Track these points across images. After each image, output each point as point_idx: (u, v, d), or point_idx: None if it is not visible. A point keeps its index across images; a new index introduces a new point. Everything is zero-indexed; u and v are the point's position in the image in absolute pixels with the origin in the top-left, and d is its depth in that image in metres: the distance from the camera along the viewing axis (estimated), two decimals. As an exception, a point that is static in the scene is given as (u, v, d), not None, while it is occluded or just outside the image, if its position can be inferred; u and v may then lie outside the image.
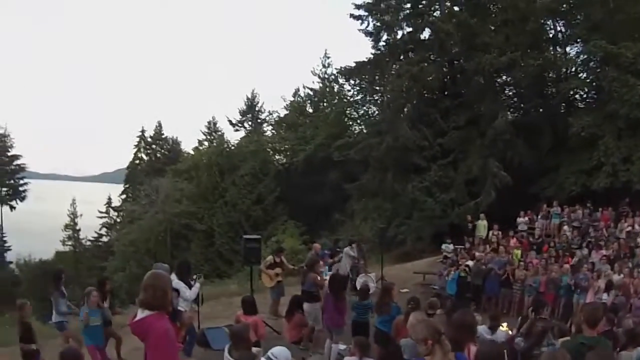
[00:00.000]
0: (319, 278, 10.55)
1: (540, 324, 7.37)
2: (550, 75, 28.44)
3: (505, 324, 8.57)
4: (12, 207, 61.18)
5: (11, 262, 53.87)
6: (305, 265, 11.83)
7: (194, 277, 9.79)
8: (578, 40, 27.49)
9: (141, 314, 4.39)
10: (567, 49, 28.54)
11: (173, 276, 9.34)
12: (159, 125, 61.92)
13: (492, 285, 15.21)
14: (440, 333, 4.17)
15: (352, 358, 6.84)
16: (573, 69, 27.85)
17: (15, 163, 61.44)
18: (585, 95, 28.76)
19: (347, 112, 39.16)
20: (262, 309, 12.98)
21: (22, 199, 62.11)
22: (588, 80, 27.43)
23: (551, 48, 28.63)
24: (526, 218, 21.59)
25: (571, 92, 27.97)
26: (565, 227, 19.77)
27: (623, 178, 22.93)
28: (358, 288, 12.89)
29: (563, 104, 28.55)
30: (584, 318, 5.03)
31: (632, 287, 12.57)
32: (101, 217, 59.92)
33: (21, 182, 62.39)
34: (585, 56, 26.73)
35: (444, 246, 19.80)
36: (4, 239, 57.88)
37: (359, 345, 6.84)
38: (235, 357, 5.70)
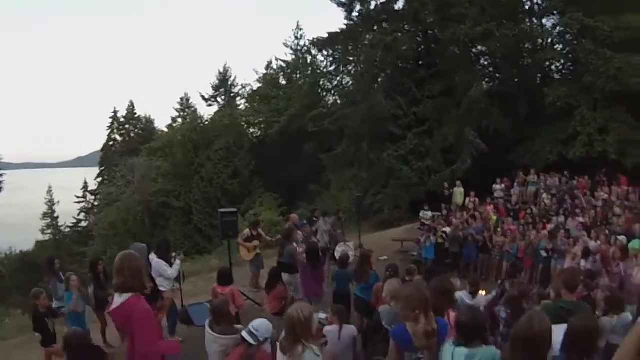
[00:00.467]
0: (297, 249, 10.54)
1: (517, 288, 7.42)
2: (526, 46, 28.33)
3: (483, 291, 8.65)
4: (-12, 201, 60.37)
5: (-8, 257, 53.21)
6: (282, 236, 11.81)
7: (174, 255, 9.73)
8: (554, 12, 27.38)
9: (119, 298, 4.38)
10: (544, 20, 28.47)
11: (153, 255, 9.40)
12: (132, 104, 61.03)
13: (470, 252, 15.34)
14: (428, 301, 4.18)
15: (332, 327, 6.84)
16: (549, 41, 27.81)
17: (-13, 156, 60.45)
18: (561, 67, 28.86)
19: (321, 83, 39.05)
20: (243, 282, 13.09)
21: (-1, 190, 61.31)
22: (564, 52, 27.52)
23: (527, 20, 28.50)
24: (502, 185, 21.74)
25: (547, 63, 28.10)
26: (544, 195, 19.94)
27: (599, 148, 23.17)
28: (337, 257, 12.97)
29: (539, 75, 28.63)
30: (563, 283, 5.05)
31: (609, 254, 12.72)
32: (79, 202, 59.35)
33: (-3, 174, 61.50)
34: (562, 28, 26.76)
35: (421, 213, 19.86)
36: (-18, 234, 57.11)
37: (337, 314, 6.84)
38: (217, 331, 5.68)
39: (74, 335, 5.10)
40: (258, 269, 13.49)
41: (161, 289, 9.18)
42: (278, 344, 4.73)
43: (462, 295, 7.87)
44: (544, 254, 13.91)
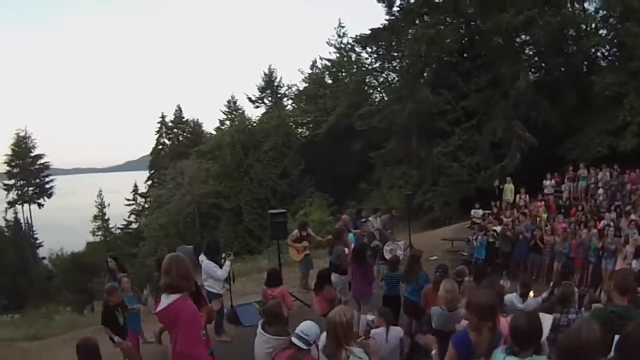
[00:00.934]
0: (346, 250, 10.47)
1: (561, 289, 7.14)
2: (570, 32, 27.63)
3: (532, 292, 8.38)
4: (40, 205, 62.65)
5: (44, 258, 55.14)
6: (333, 236, 11.77)
7: (224, 255, 9.76)
8: None
9: (166, 299, 4.47)
10: (586, 4, 27.75)
11: (202, 257, 9.52)
12: (179, 109, 61.94)
13: (521, 251, 14.92)
14: (497, 309, 4.19)
15: (379, 329, 6.79)
16: (593, 26, 27.05)
17: (39, 162, 62.88)
18: (607, 53, 27.93)
19: (367, 80, 38.88)
20: (292, 283, 13.12)
21: (49, 195, 63.63)
22: (609, 37, 26.71)
23: (569, 5, 27.73)
24: (553, 181, 21.25)
25: (592, 50, 27.28)
26: (600, 190, 19.26)
27: None
28: (386, 257, 12.84)
29: (585, 62, 27.94)
30: (614, 285, 4.83)
31: None
32: (129, 205, 60.76)
33: (47, 179, 63.65)
34: (604, 12, 25.99)
35: (473, 212, 19.62)
36: (35, 236, 59.17)
37: (384, 316, 6.79)
38: (270, 332, 5.69)
39: (85, 344, 5.11)
40: (307, 269, 13.51)
41: (210, 290, 9.27)
42: (320, 347, 4.72)
43: (512, 297, 7.66)
44: (593, 254, 13.47)
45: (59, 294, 33.05)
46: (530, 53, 30.02)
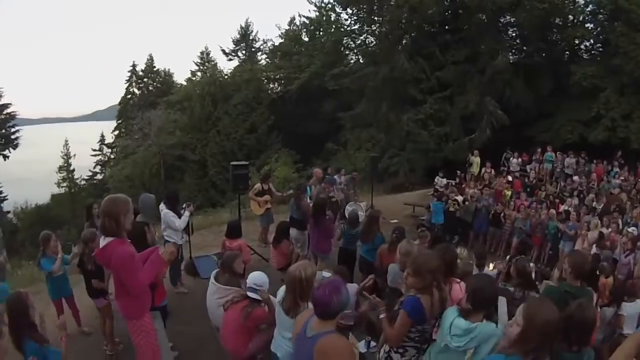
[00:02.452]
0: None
1: (517, 264, 7.20)
2: (556, 21, 27.60)
3: (492, 264, 8.45)
4: (5, 157, 60.93)
5: (9, 212, 53.95)
6: (298, 191, 11.63)
7: (184, 206, 9.58)
8: None
9: (103, 241, 4.60)
10: None
11: (162, 206, 9.35)
12: (151, 58, 60.92)
13: (481, 223, 15.16)
14: (442, 271, 4.14)
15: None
16: (580, 18, 27.07)
17: (5, 112, 60.96)
18: (590, 46, 28.18)
19: (344, 41, 38.40)
20: (252, 237, 13.04)
21: (15, 146, 61.82)
22: (595, 32, 26.86)
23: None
24: (520, 159, 21.49)
25: (576, 41, 27.41)
26: (567, 172, 19.71)
27: (621, 134, 22.89)
28: (347, 216, 12.83)
29: (567, 52, 28.06)
30: (570, 266, 4.86)
31: (619, 243, 12.52)
32: (95, 156, 59.77)
33: (12, 130, 62.03)
34: (594, 7, 26.07)
35: (437, 179, 19.74)
36: (0, 188, 57.90)
37: (339, 273, 6.76)
38: (221, 282, 5.64)
39: (14, 298, 4.79)
40: (268, 224, 13.40)
41: (169, 239, 9.10)
42: (278, 299, 4.65)
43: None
44: (551, 234, 13.87)
45: (23, 248, 32.40)
46: (513, 34, 30.01)
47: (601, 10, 25.63)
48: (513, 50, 29.79)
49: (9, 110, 61.19)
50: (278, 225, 10.05)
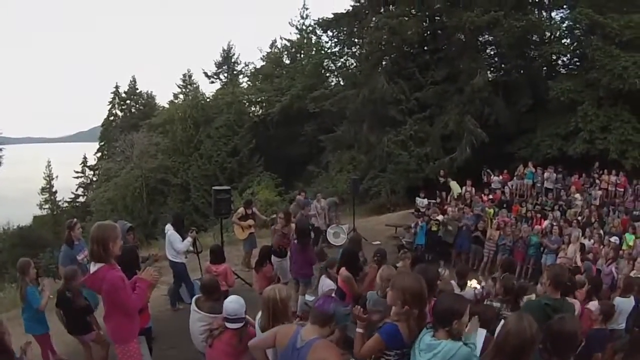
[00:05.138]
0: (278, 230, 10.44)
1: (503, 281, 7.28)
2: (534, 38, 27.94)
3: (475, 281, 8.53)
4: (-13, 176, 60.38)
5: (-11, 232, 53.26)
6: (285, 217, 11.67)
7: (190, 230, 10.35)
8: (564, 6, 27.15)
9: (93, 267, 4.71)
10: (553, 14, 28.26)
11: (169, 227, 10.06)
12: (134, 80, 60.79)
13: (463, 241, 15.28)
14: (424, 297, 4.02)
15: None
16: (557, 34, 27.42)
17: (-12, 130, 60.47)
18: (567, 61, 28.52)
19: (325, 63, 38.80)
20: (235, 261, 13.09)
21: (-2, 165, 61.28)
22: (571, 47, 27.20)
23: (536, 11, 28.14)
24: (501, 177, 21.73)
25: (553, 57, 27.74)
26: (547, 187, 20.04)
27: (600, 146, 23.00)
28: (329, 239, 12.91)
29: (544, 68, 28.36)
30: (549, 279, 4.94)
31: (601, 254, 12.76)
32: (78, 177, 59.33)
33: (-5, 148, 61.50)
34: (570, 23, 26.38)
35: (417, 200, 19.90)
36: (-21, 208, 57.08)
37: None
38: (204, 309, 5.65)
39: None
40: (251, 248, 13.47)
41: (172, 259, 9.91)
42: (257, 320, 4.73)
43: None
44: (533, 249, 14.08)
45: (4, 270, 31.99)
46: (492, 53, 30.35)
47: (577, 26, 25.97)
48: (492, 69, 30.12)
49: (-10, 129, 60.69)
50: (260, 249, 10.12)
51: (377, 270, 6.94)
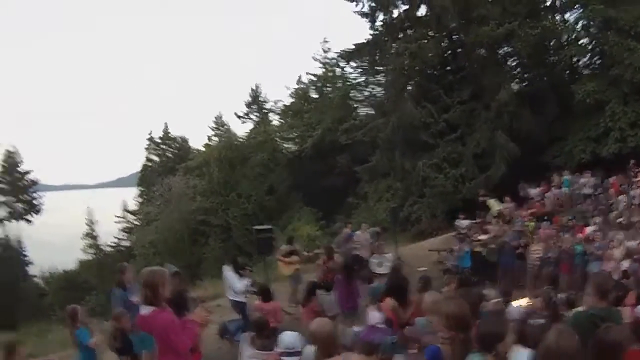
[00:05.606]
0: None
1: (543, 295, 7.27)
2: (551, 43, 27.91)
3: (525, 299, 8.41)
4: (28, 221, 61.88)
5: (35, 276, 54.63)
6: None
7: (247, 269, 11.07)
8: (576, 5, 26.82)
9: (144, 310, 4.96)
10: (566, 15, 28.01)
11: (227, 267, 10.78)
12: (166, 126, 61.75)
13: (507, 259, 15.00)
14: (468, 320, 4.07)
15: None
16: (573, 36, 27.17)
17: (27, 178, 62.28)
18: (588, 62, 28.24)
19: (351, 94, 39.05)
20: (282, 298, 13.26)
21: (38, 212, 62.80)
22: (590, 46, 26.99)
23: (550, 16, 28.10)
24: (538, 189, 21.47)
25: (573, 60, 27.58)
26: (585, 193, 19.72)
27: (631, 143, 22.69)
28: (373, 270, 13.05)
29: (567, 72, 28.16)
30: (592, 288, 4.86)
31: None
32: (119, 222, 60.31)
33: (35, 195, 63.12)
34: (585, 22, 26.20)
35: (457, 222, 19.86)
36: (24, 253, 58.62)
37: None
38: (257, 346, 5.84)
39: None
40: (297, 284, 13.66)
41: (232, 298, 10.48)
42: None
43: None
44: (579, 257, 13.71)
45: (51, 312, 32.87)
46: (513, 64, 30.22)
47: (591, 23, 25.84)
48: (516, 80, 30.03)
49: (30, 177, 62.51)
50: (307, 284, 10.32)
51: (422, 296, 7.08)
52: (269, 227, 13.19)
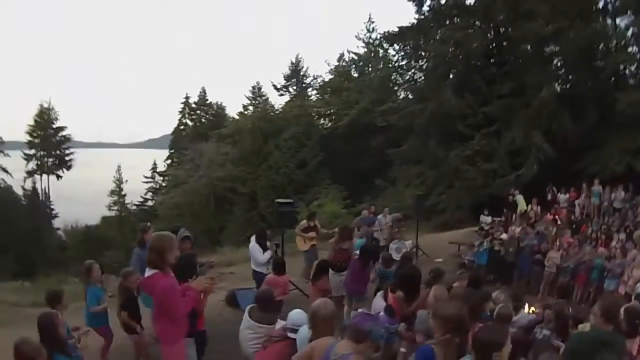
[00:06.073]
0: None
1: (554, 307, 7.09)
2: (600, 48, 27.11)
3: (533, 307, 8.25)
4: (58, 176, 63.41)
5: (59, 229, 56.02)
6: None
7: (272, 243, 11.18)
8: (628, 11, 25.74)
9: (148, 272, 5.21)
10: (617, 20, 26.94)
11: (252, 239, 10.81)
12: (203, 91, 62.24)
13: (524, 262, 14.70)
14: (465, 323, 3.99)
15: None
16: (622, 43, 26.32)
17: (60, 134, 63.59)
18: (635, 71, 27.31)
19: (393, 77, 38.81)
20: (295, 273, 13.31)
21: (69, 167, 64.24)
22: (639, 56, 26.13)
23: (600, 18, 27.11)
24: (568, 195, 20.87)
25: (621, 67, 26.65)
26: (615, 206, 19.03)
27: None
28: (392, 256, 12.97)
29: (612, 79, 27.21)
30: (600, 310, 4.69)
31: None
32: (147, 182, 61.37)
33: (67, 152, 64.40)
34: (636, 29, 25.37)
35: (481, 217, 19.63)
36: (52, 206, 60.00)
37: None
38: (254, 318, 5.86)
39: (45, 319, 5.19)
40: (312, 260, 13.63)
41: (256, 269, 10.50)
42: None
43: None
44: (597, 272, 13.24)
45: (71, 265, 33.65)
46: (558, 65, 29.54)
47: (643, 31, 25.04)
48: (559, 81, 29.48)
49: (64, 133, 63.88)
50: (318, 262, 10.31)
51: (429, 289, 6.99)
52: (291, 201, 13.18)
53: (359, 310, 9.18)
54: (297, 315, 5.40)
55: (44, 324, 5.05)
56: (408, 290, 7.73)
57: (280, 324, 5.73)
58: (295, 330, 5.24)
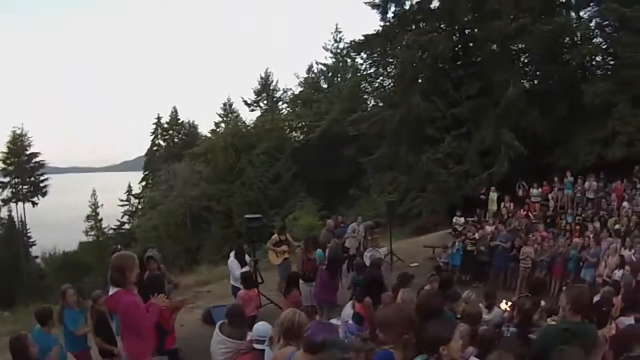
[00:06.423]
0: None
1: (528, 303, 7.04)
2: (565, 41, 27.24)
3: (508, 303, 8.19)
4: (34, 204, 62.31)
5: (37, 257, 55.30)
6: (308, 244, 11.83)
7: (250, 259, 11.64)
8: (591, 3, 26.20)
9: (111, 290, 5.29)
10: (581, 13, 27.23)
11: (231, 254, 11.39)
12: (175, 110, 62.30)
13: (500, 261, 14.73)
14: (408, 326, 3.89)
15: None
16: (587, 34, 26.52)
17: (34, 160, 62.67)
18: (601, 62, 27.53)
19: (362, 86, 38.91)
20: (270, 287, 13.17)
21: (44, 194, 63.28)
22: (603, 46, 26.42)
23: (564, 12, 27.35)
24: (540, 189, 20.98)
25: (586, 59, 26.84)
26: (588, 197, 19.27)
27: (639, 147, 22.10)
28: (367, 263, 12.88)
29: (578, 71, 27.45)
30: (567, 301, 4.50)
31: None
32: (122, 205, 61.01)
33: (42, 178, 63.60)
34: (598, 20, 25.75)
35: (454, 219, 19.62)
36: (29, 234, 59.13)
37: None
38: (225, 333, 5.81)
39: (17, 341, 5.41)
40: (285, 273, 13.51)
41: (234, 284, 10.79)
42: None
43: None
44: (573, 263, 13.40)
45: (50, 293, 33.17)
46: (525, 61, 29.83)
47: (605, 22, 25.41)
48: (527, 77, 29.70)
49: (38, 159, 62.98)
50: (288, 275, 10.26)
51: (397, 294, 6.94)
52: (259, 216, 13.07)
53: (317, 319, 9.16)
54: (262, 326, 5.44)
55: (16, 346, 5.27)
56: (374, 295, 7.69)
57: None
58: (261, 342, 5.22)
